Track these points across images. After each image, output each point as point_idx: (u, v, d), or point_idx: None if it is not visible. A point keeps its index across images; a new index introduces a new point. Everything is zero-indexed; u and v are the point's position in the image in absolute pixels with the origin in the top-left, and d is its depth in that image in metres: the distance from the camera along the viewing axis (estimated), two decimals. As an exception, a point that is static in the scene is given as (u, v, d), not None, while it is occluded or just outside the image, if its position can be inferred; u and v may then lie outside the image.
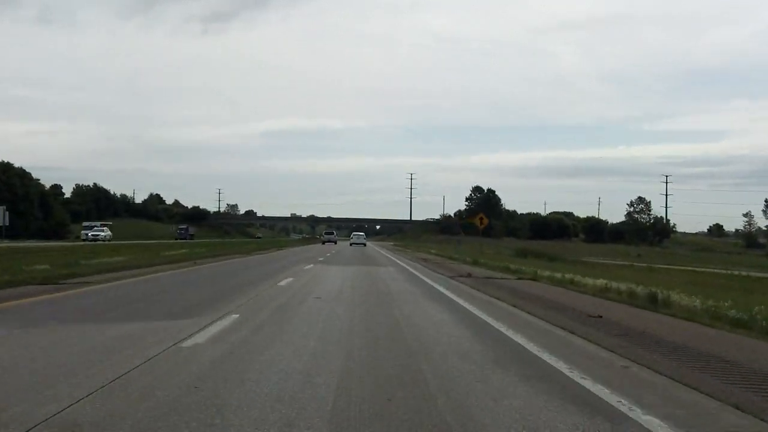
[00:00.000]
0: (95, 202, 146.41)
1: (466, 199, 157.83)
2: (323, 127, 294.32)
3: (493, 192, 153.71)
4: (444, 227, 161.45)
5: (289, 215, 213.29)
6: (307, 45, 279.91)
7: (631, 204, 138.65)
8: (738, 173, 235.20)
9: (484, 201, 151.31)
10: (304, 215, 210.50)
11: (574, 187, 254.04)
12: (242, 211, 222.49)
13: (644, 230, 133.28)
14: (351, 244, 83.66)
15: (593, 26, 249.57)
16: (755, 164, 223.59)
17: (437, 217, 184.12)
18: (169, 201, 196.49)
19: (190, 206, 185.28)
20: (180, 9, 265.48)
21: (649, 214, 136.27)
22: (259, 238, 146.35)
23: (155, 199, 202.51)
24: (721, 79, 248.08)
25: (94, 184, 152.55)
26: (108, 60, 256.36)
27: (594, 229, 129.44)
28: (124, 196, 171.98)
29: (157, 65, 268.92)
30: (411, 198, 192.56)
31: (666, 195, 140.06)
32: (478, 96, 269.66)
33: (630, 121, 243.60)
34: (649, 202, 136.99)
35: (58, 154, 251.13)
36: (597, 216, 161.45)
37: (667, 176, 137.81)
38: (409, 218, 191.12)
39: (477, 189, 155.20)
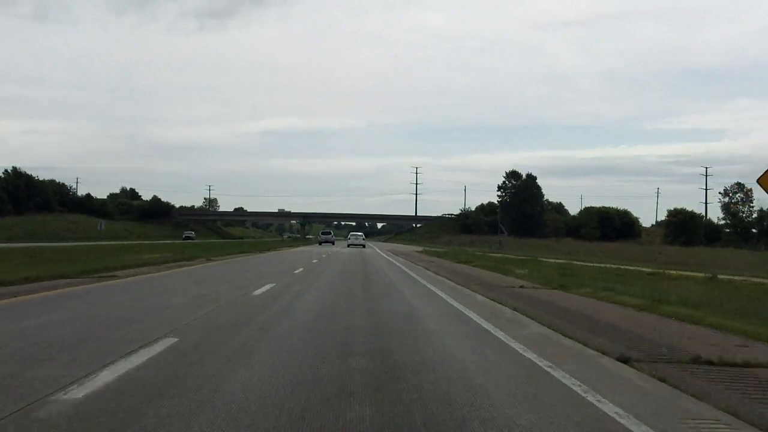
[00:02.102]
0: (10, 191, 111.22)
1: (499, 188, 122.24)
2: (320, 127, 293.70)
3: (534, 178, 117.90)
4: (467, 225, 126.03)
5: (276, 210, 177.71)
6: (305, 43, 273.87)
7: (726, 193, 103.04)
8: (740, 173, 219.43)
9: (522, 190, 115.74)
10: (295, 212, 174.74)
11: (577, 186, 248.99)
12: (231, 209, 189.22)
13: (748, 228, 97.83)
14: (349, 246, 77.85)
15: (594, 24, 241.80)
16: (758, 163, 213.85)
17: (445, 213, 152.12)
18: (165, 199, 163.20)
19: (180, 205, 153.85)
20: (176, 5, 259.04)
21: (750, 207, 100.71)
22: (189, 239, 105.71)
23: (129, 194, 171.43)
24: (724, 77, 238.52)
25: (14, 168, 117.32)
26: (103, 57, 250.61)
27: (685, 226, 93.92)
28: (64, 186, 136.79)
29: (153, 62, 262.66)
30: (416, 194, 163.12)
31: (706, 189, 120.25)
32: (477, 95, 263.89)
33: (631, 120, 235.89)
34: (750, 190, 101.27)
35: (53, 153, 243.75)
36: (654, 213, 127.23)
37: (707, 168, 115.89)
38: (414, 214, 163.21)
39: (513, 174, 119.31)
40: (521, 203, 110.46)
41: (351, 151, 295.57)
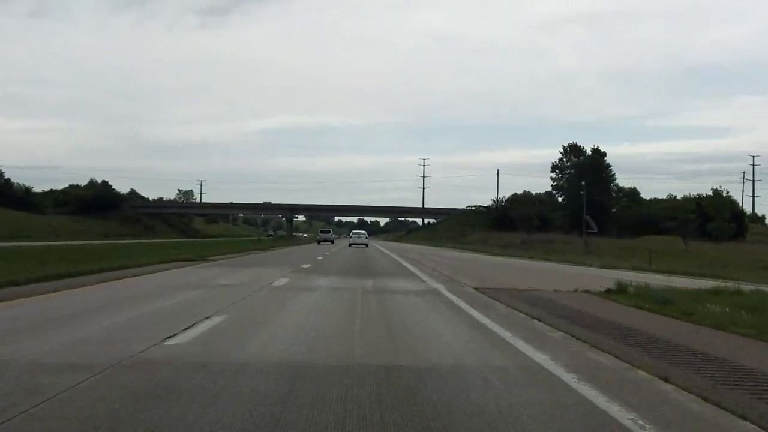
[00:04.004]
0: None
1: (553, 168, 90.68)
2: (321, 125, 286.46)
3: (603, 154, 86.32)
4: (509, 219, 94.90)
5: (262, 202, 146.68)
6: (305, 41, 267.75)
7: None
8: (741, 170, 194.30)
9: (589, 168, 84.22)
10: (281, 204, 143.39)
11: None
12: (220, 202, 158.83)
13: None
14: (350, 245, 74.73)
15: (597, 23, 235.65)
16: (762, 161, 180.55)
17: (469, 205, 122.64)
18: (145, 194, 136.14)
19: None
20: (175, 2, 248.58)
21: None
22: None
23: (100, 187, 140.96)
24: (728, 75, 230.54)
25: None
26: (101, 56, 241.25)
27: None
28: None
29: (153, 60, 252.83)
30: (424, 187, 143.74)
31: (753, 181, 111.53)
32: (478, 94, 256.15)
33: (632, 118, 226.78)
34: None
35: (52, 152, 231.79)
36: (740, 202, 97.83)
37: (754, 157, 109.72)
38: (421, 206, 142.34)
39: (573, 149, 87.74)
40: (587, 187, 79.30)
41: (351, 149, 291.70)
